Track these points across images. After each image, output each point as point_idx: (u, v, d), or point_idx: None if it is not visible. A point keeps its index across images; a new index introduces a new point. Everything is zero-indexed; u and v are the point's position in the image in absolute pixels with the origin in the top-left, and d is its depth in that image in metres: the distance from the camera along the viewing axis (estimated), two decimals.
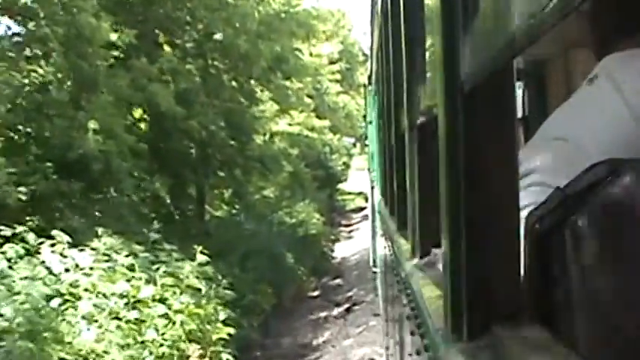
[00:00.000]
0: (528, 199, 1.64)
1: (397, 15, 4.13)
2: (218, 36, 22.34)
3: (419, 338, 2.31)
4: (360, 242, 30.83)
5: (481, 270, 1.48)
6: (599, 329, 1.37)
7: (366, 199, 37.71)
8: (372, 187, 17.70)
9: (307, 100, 33.52)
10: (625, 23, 1.99)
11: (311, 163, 36.86)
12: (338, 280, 26.42)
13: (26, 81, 15.93)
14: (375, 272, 16.50)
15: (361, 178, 43.35)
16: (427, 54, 2.96)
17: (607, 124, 1.83)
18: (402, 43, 3.70)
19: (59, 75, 16.14)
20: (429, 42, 2.88)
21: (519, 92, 4.54)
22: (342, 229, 40.22)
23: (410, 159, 3.35)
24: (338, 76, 43.48)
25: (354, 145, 56.79)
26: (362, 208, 42.41)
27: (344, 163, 49.64)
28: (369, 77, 16.17)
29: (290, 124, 32.32)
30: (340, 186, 49.90)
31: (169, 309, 12.24)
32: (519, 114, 4.25)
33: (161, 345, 11.57)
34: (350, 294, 23.62)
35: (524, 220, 1.55)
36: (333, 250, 32.03)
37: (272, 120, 29.26)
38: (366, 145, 24.22)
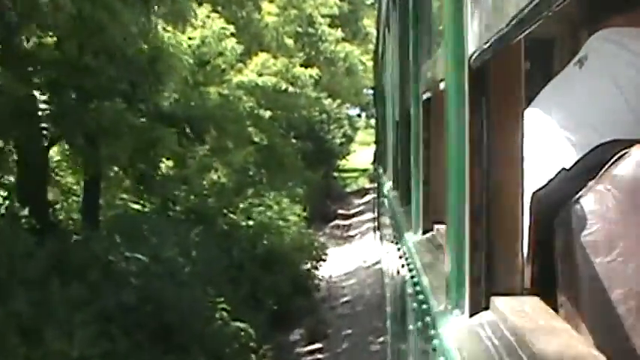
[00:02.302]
0: None
1: None
2: None
3: (421, 314, 2.32)
4: (362, 249, 21.06)
5: (484, 246, 1.49)
6: (601, 306, 1.37)
7: (372, 180, 28.17)
8: (378, 164, 14.81)
9: (288, 41, 24.71)
10: (613, 0, 1.98)
11: (302, 134, 27.79)
12: (316, 346, 14.86)
13: None
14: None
15: (367, 154, 35.75)
16: (435, 29, 2.95)
17: (601, 113, 1.83)
18: (410, 18, 3.68)
19: None
20: (437, 17, 2.87)
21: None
22: (339, 222, 28.89)
23: (415, 134, 3.35)
24: (336, 11, 31.11)
25: (359, 115, 47.03)
26: (366, 191, 33.52)
27: (345, 135, 38.13)
28: (376, 51, 16.10)
29: (260, 75, 20.85)
30: (341, 163, 39.47)
31: None
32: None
33: None
34: None
35: (528, 197, 1.55)
36: (315, 270, 19.45)
37: (234, 68, 19.77)
38: (374, 117, 20.74)
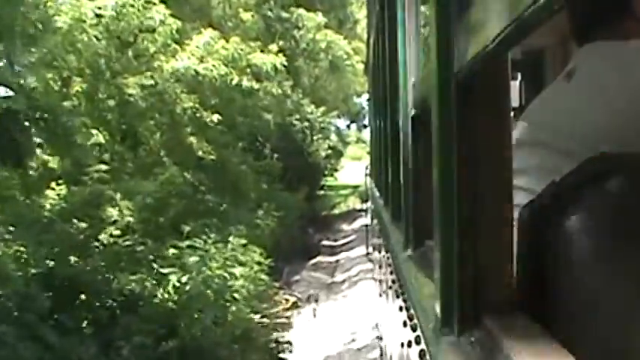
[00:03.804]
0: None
1: (394, 5, 4.11)
2: None
3: (410, 330, 2.30)
4: (351, 310, 14.01)
5: (473, 263, 1.47)
6: (590, 324, 1.36)
7: (364, 199, 21.67)
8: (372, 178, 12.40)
9: (245, 15, 17.98)
10: (601, 12, 1.98)
11: (278, 146, 22.81)
12: None
13: None
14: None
15: (358, 168, 28.00)
16: (422, 44, 2.95)
17: (592, 127, 1.82)
18: (397, 33, 3.68)
19: None
20: (424, 32, 2.87)
21: (517, 83, 4.53)
22: (322, 259, 21.64)
23: (404, 149, 3.34)
24: None
25: (349, 126, 41.02)
26: (357, 213, 27.08)
27: (331, 148, 31.56)
28: (366, 65, 16.12)
29: (201, 59, 14.35)
30: (328, 180, 33.37)
31: None
32: (516, 104, 4.25)
33: None
34: None
35: (517, 213, 1.54)
36: None
37: (166, 51, 13.54)
38: (365, 127, 19.24)
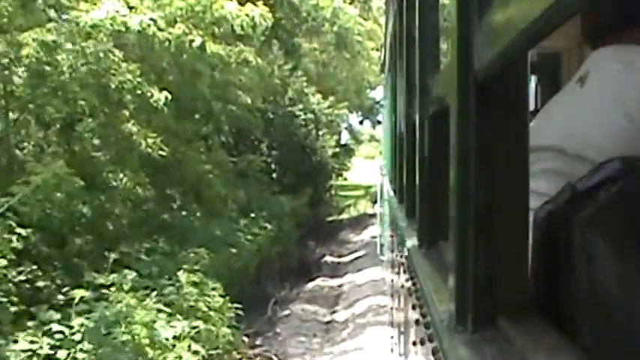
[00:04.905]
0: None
1: (413, 4, 4.11)
2: None
3: (423, 328, 2.31)
4: None
5: (488, 263, 1.48)
6: (604, 325, 1.36)
7: (374, 201, 20.10)
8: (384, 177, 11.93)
9: None
10: (616, 16, 1.98)
11: (277, 143, 19.54)
12: None
13: None
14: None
15: (370, 169, 27.42)
16: (441, 44, 2.95)
17: (605, 132, 1.82)
18: (416, 32, 3.68)
19: None
20: (443, 32, 2.87)
21: (533, 85, 4.52)
22: (322, 284, 16.93)
23: (420, 148, 3.34)
24: None
25: (362, 122, 37.11)
26: (369, 219, 23.89)
27: (341, 145, 28.11)
28: (383, 65, 16.08)
29: (133, 9, 9.69)
30: (336, 181, 28.59)
31: None
32: (532, 107, 4.24)
33: None
34: None
35: (533, 214, 1.54)
36: None
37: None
38: (379, 123, 17.83)
